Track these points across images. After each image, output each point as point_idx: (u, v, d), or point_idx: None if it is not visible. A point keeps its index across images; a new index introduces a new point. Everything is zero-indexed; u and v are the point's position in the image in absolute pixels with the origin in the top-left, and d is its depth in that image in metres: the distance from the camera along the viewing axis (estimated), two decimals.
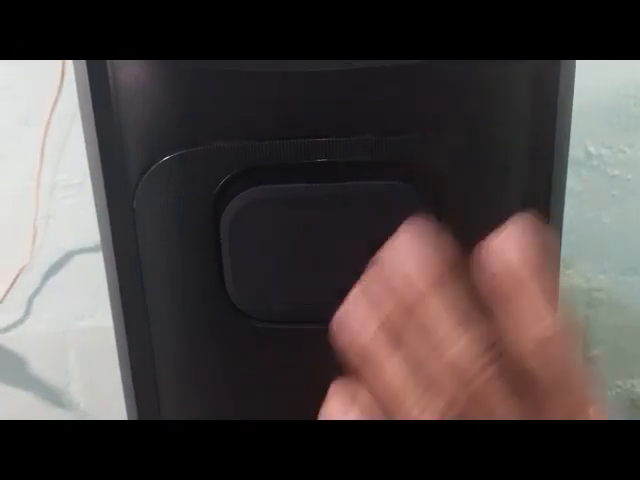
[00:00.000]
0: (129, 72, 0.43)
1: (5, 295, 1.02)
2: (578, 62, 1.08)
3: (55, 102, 0.94)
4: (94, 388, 1.10)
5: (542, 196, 0.51)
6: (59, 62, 0.92)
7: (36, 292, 1.05)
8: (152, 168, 0.45)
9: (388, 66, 0.44)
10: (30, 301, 1.05)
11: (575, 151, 1.11)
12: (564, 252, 1.19)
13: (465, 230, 0.49)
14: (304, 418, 0.45)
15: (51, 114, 0.94)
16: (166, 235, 0.46)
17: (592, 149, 1.12)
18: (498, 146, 0.50)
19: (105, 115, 0.44)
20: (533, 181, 0.51)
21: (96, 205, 0.50)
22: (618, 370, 1.25)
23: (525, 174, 0.48)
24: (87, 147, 0.49)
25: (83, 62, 0.44)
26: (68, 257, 1.04)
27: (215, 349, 0.49)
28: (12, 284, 1.02)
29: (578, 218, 1.13)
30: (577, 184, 1.11)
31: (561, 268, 1.17)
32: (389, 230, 0.48)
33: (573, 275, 1.19)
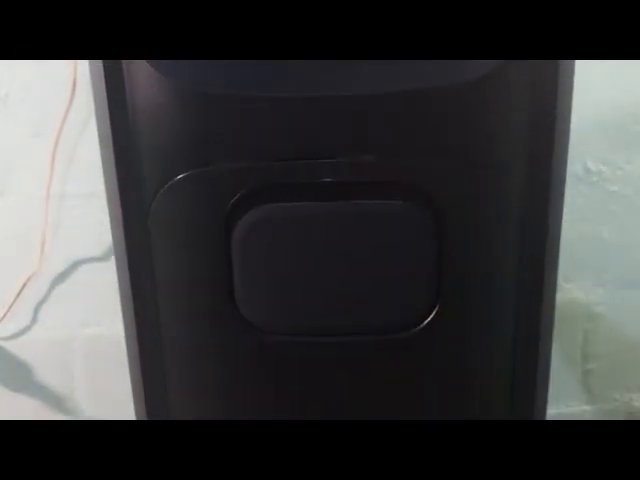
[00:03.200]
0: (146, 95, 0.45)
1: (13, 303, 1.04)
2: (579, 79, 1.11)
3: (65, 115, 0.96)
4: (99, 395, 1.12)
5: (540, 211, 0.53)
6: (70, 76, 0.94)
7: (43, 300, 1.07)
8: (166, 186, 0.47)
9: (390, 93, 0.46)
10: (37, 309, 1.07)
11: (575, 167, 1.13)
12: (563, 267, 1.21)
13: (465, 245, 0.51)
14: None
15: (61, 126, 0.97)
16: (179, 251, 0.48)
17: (591, 166, 1.14)
18: (496, 164, 0.52)
19: (122, 135, 0.46)
20: (531, 197, 0.53)
21: (111, 221, 0.52)
22: (616, 383, 1.27)
23: (523, 191, 0.50)
24: (104, 165, 0.51)
25: (102, 84, 0.46)
26: (75, 266, 1.06)
27: (224, 359, 0.50)
28: (20, 292, 1.04)
29: (577, 233, 1.15)
30: (576, 200, 1.13)
31: (561, 282, 1.19)
32: (391, 247, 0.50)
33: (572, 289, 1.21)
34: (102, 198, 1.02)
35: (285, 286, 0.49)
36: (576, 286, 1.21)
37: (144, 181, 0.47)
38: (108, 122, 0.46)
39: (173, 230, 0.48)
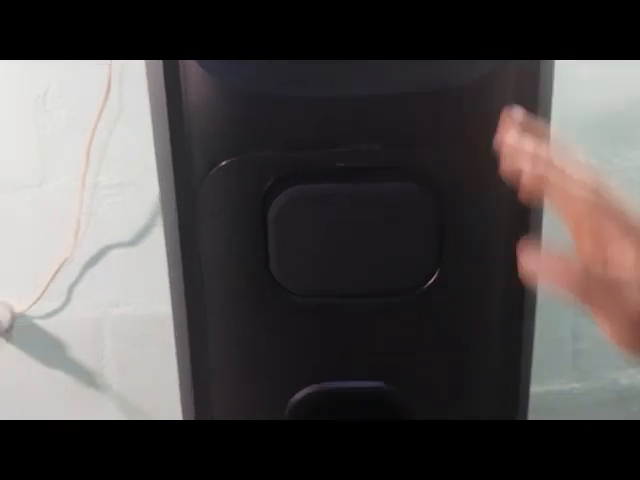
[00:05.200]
0: (197, 92, 0.54)
1: (48, 284, 1.11)
2: (570, 78, 1.18)
3: (100, 112, 1.04)
4: (127, 371, 1.19)
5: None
6: (105, 74, 1.02)
7: (76, 282, 1.14)
8: (212, 171, 0.56)
9: (400, 93, 0.55)
10: (70, 290, 1.14)
11: None
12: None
13: (461, 222, 0.59)
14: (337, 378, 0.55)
15: (96, 122, 1.04)
16: (222, 227, 0.57)
17: (580, 159, 1.21)
18: (488, 153, 0.60)
19: (177, 127, 0.55)
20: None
21: (162, 203, 0.60)
22: (605, 363, 1.32)
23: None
24: (158, 153, 0.59)
25: (161, 82, 0.54)
26: (106, 250, 1.13)
27: (261, 320, 0.59)
28: (55, 274, 1.11)
29: None
30: None
31: None
32: (401, 221, 0.58)
33: None
34: (131, 187, 1.10)
35: (312, 255, 0.58)
36: None
37: (194, 167, 0.56)
38: (165, 116, 0.55)
39: (218, 209, 0.57)
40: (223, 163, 0.56)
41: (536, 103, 0.58)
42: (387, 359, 0.59)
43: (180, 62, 0.54)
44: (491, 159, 0.59)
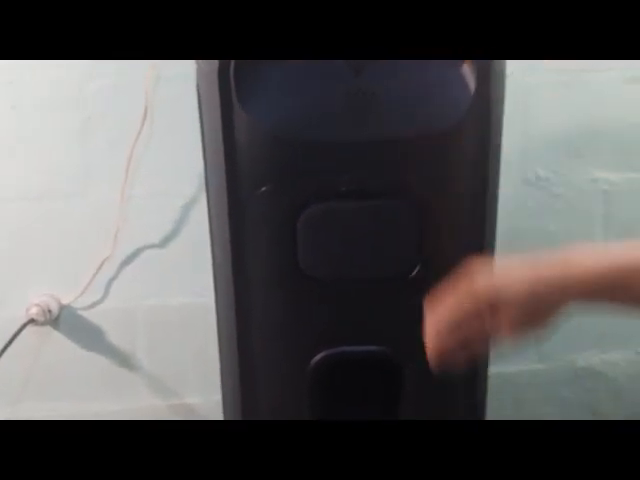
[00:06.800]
0: (246, 135, 0.74)
1: (91, 280, 1.28)
2: (531, 106, 1.32)
3: (138, 135, 1.22)
4: (155, 354, 1.35)
5: (481, 211, 0.82)
6: (142, 103, 1.21)
7: (114, 278, 1.29)
8: (256, 193, 0.76)
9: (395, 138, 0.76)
10: (109, 285, 1.30)
11: (528, 175, 1.36)
12: (518, 252, 1.43)
13: (436, 229, 0.80)
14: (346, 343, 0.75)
15: (134, 143, 1.23)
16: (265, 234, 0.77)
17: (541, 173, 1.38)
18: (453, 178, 0.81)
19: (231, 161, 0.75)
20: (477, 198, 0.82)
21: (214, 215, 0.80)
22: (564, 347, 1.48)
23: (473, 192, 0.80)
24: (211, 178, 0.80)
25: (219, 128, 0.74)
26: (139, 251, 1.30)
27: (290, 300, 0.80)
28: (96, 272, 1.28)
29: (529, 227, 1.39)
30: (529, 201, 1.37)
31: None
32: (390, 230, 0.78)
33: None
34: (160, 197, 1.27)
35: (328, 253, 0.79)
36: None
37: (243, 190, 0.77)
38: (222, 152, 0.75)
39: (261, 221, 0.77)
40: (263, 189, 0.76)
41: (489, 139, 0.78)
42: (382, 329, 0.80)
43: (233, 110, 0.73)
44: (455, 181, 0.81)
